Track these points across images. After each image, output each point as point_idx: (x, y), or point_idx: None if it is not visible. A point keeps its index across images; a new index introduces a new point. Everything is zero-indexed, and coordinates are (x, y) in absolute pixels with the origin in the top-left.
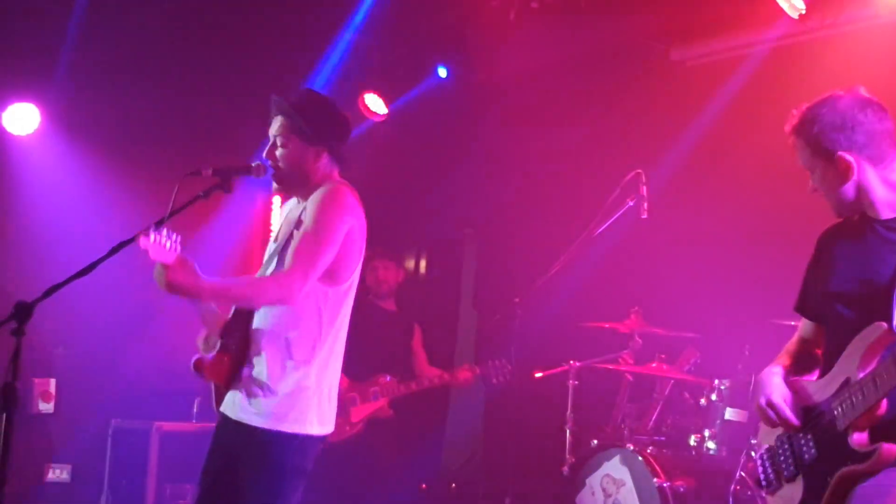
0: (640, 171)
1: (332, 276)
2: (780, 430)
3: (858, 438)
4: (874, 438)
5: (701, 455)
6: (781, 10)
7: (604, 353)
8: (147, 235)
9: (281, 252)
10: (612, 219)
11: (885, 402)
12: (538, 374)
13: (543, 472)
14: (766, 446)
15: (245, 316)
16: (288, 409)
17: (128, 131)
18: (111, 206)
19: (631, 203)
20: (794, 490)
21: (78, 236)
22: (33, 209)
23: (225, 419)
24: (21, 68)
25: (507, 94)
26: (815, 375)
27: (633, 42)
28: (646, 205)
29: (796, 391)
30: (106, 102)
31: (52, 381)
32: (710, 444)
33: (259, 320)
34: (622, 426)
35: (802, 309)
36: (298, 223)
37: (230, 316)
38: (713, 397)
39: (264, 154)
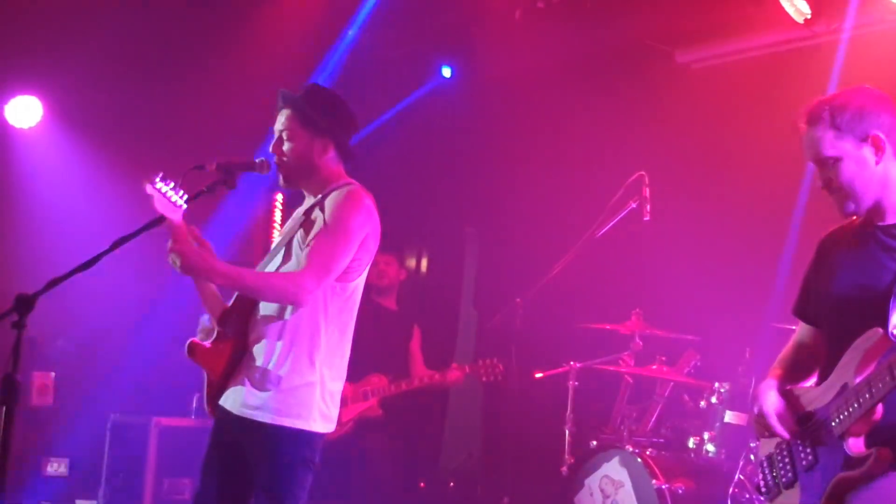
0: (643, 173)
1: (341, 274)
2: (779, 439)
3: (854, 444)
4: (870, 444)
5: (700, 457)
6: (787, 14)
7: (604, 355)
8: (153, 183)
9: (287, 246)
10: (615, 220)
11: (880, 408)
12: (538, 375)
13: (542, 473)
14: (767, 454)
15: (247, 306)
16: (291, 404)
17: (130, 124)
18: (113, 199)
19: (634, 205)
20: (793, 496)
21: (80, 230)
22: (35, 202)
23: (226, 414)
24: (24, 62)
25: (511, 93)
26: (810, 381)
27: (638, 44)
28: (648, 207)
29: (792, 400)
30: (108, 96)
31: (52, 375)
32: (710, 447)
33: (262, 312)
34: (622, 427)
35: (801, 313)
36: (307, 220)
37: (230, 304)
38: (713, 400)
39: (270, 148)
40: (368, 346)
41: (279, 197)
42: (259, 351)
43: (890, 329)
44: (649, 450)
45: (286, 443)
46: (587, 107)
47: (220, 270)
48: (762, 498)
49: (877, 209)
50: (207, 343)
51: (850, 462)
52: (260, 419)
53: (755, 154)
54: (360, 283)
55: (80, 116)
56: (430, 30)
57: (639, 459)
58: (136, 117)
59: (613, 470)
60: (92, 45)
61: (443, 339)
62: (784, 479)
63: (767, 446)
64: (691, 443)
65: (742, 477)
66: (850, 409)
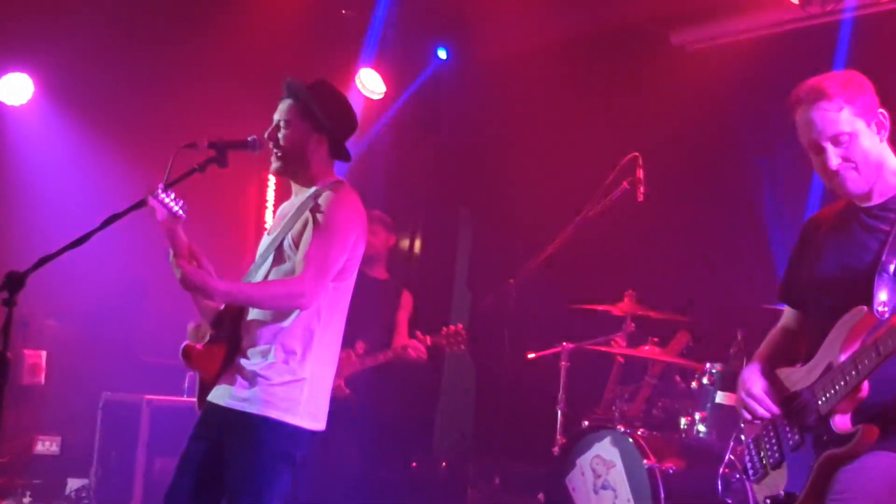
0: (636, 153)
1: (336, 274)
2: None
3: (840, 420)
4: (857, 422)
5: (691, 438)
6: None
7: (596, 336)
8: (155, 195)
9: (278, 248)
10: (608, 201)
11: (866, 385)
12: (531, 355)
13: (534, 453)
14: (753, 435)
15: (239, 308)
16: (280, 397)
17: (122, 102)
18: (105, 177)
19: (627, 186)
20: (779, 477)
21: (71, 207)
22: (26, 180)
23: (212, 407)
24: (15, 39)
25: (506, 75)
26: (797, 365)
27: (633, 25)
28: (642, 188)
29: (777, 381)
30: (100, 73)
31: (43, 354)
32: (701, 427)
33: (254, 312)
34: (613, 408)
35: (786, 297)
36: (297, 220)
37: (223, 307)
38: (704, 381)
39: (266, 135)
40: (352, 318)
41: (272, 179)
42: (252, 351)
43: (875, 306)
44: (641, 430)
45: (269, 434)
46: (581, 88)
47: (221, 289)
48: (749, 480)
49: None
50: (200, 346)
51: (838, 440)
52: (247, 410)
53: (749, 136)
54: (352, 280)
55: (71, 94)
56: (426, 11)
57: (630, 439)
58: (128, 95)
59: (605, 450)
60: (84, 23)
61: (436, 320)
62: (771, 460)
63: (754, 428)
64: (682, 423)
65: (733, 457)
66: (837, 388)
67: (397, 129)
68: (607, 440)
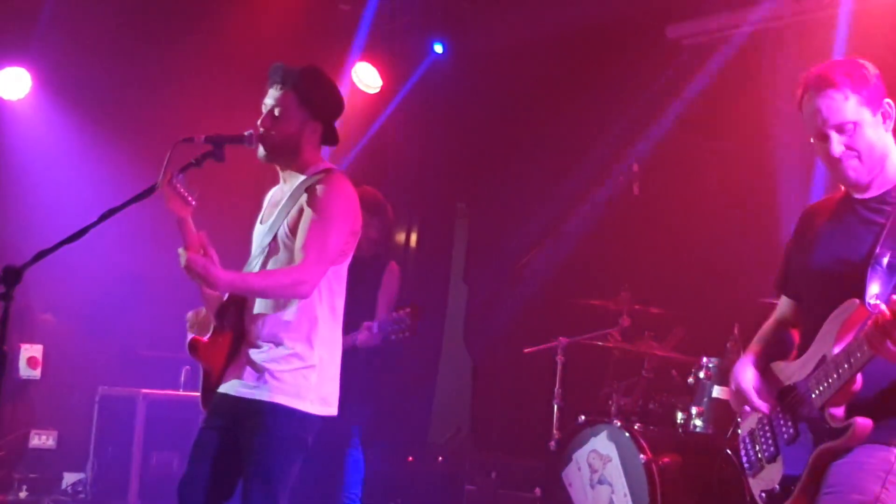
0: (632, 148)
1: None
2: (760, 415)
3: (834, 413)
4: (851, 415)
5: (687, 432)
6: None
7: (593, 330)
8: (171, 182)
9: (273, 238)
10: (605, 196)
11: (859, 378)
12: (527, 350)
13: (530, 447)
14: (749, 430)
15: (242, 298)
16: (290, 384)
17: (120, 96)
18: (102, 171)
19: (623, 180)
20: (775, 470)
21: (69, 201)
22: (24, 174)
23: (223, 397)
24: (13, 33)
25: (503, 69)
26: (791, 358)
27: (629, 19)
28: (638, 182)
29: (771, 375)
30: (98, 68)
31: (40, 347)
32: (697, 422)
33: (258, 302)
34: (610, 402)
35: (782, 287)
36: (291, 209)
37: (227, 297)
38: (701, 375)
39: (259, 121)
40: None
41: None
42: (259, 340)
43: (867, 299)
44: (637, 425)
45: (281, 419)
46: (578, 82)
47: (223, 279)
48: (745, 474)
49: (857, 186)
50: (205, 338)
51: (832, 433)
52: (258, 397)
53: (746, 129)
54: (347, 262)
55: (69, 88)
56: (422, 6)
57: (626, 434)
58: (125, 90)
59: (601, 444)
60: (81, 17)
61: (432, 314)
62: (766, 454)
63: (749, 423)
64: (679, 418)
65: (729, 452)
66: (830, 381)
67: (393, 123)
68: (604, 435)
